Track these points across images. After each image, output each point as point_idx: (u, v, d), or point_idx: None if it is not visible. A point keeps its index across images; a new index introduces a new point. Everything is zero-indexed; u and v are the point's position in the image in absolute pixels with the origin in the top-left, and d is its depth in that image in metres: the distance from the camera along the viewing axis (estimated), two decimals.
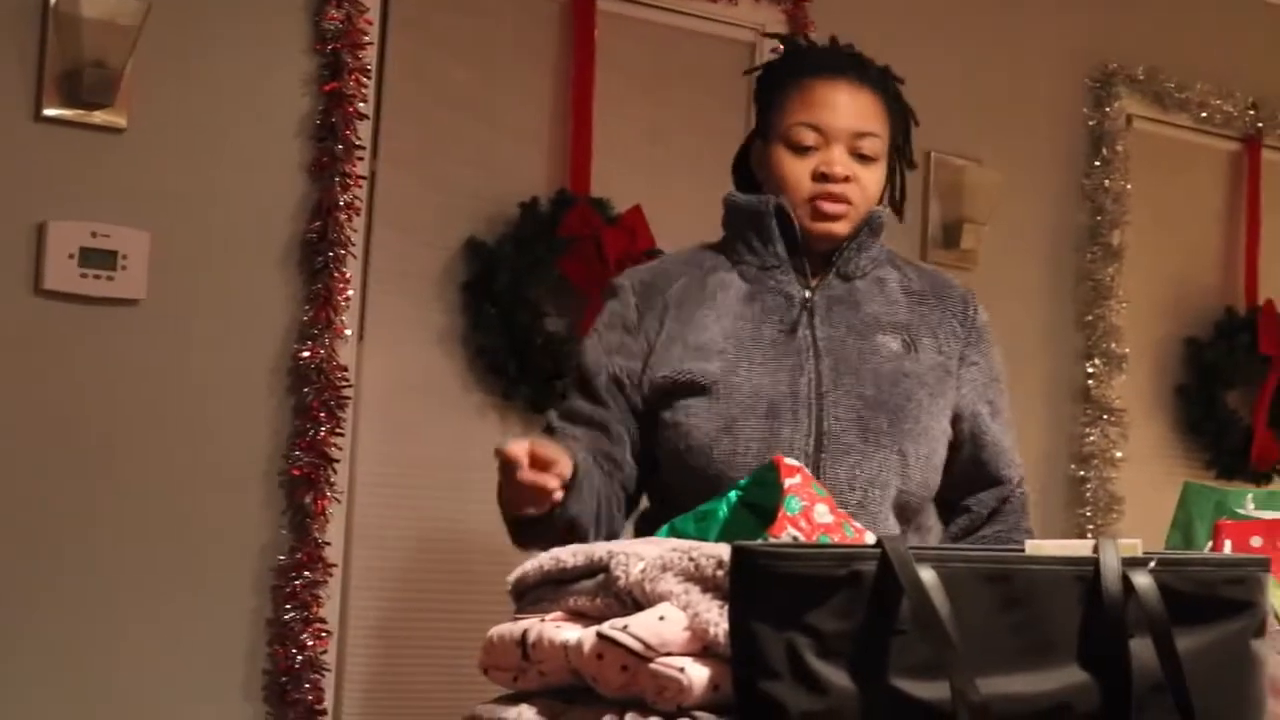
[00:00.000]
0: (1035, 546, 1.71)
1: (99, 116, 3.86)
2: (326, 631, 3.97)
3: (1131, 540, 1.74)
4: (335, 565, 4.01)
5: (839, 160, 2.64)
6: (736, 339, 2.64)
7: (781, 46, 2.92)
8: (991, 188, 5.15)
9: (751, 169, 2.77)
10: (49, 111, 3.82)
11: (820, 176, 2.64)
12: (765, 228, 2.67)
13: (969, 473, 2.77)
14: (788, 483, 2.13)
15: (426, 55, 4.33)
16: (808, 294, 2.68)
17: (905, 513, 2.65)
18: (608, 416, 2.68)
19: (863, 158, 2.66)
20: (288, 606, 3.94)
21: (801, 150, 2.65)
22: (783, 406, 2.59)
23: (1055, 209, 5.42)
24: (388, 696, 4.17)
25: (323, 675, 3.96)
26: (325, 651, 3.96)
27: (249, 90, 4.06)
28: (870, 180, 2.68)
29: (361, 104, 4.11)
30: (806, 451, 2.56)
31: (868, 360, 2.64)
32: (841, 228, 2.66)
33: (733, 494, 2.32)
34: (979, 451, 2.77)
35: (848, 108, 2.66)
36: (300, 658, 3.93)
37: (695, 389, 2.60)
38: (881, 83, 2.75)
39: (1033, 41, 5.38)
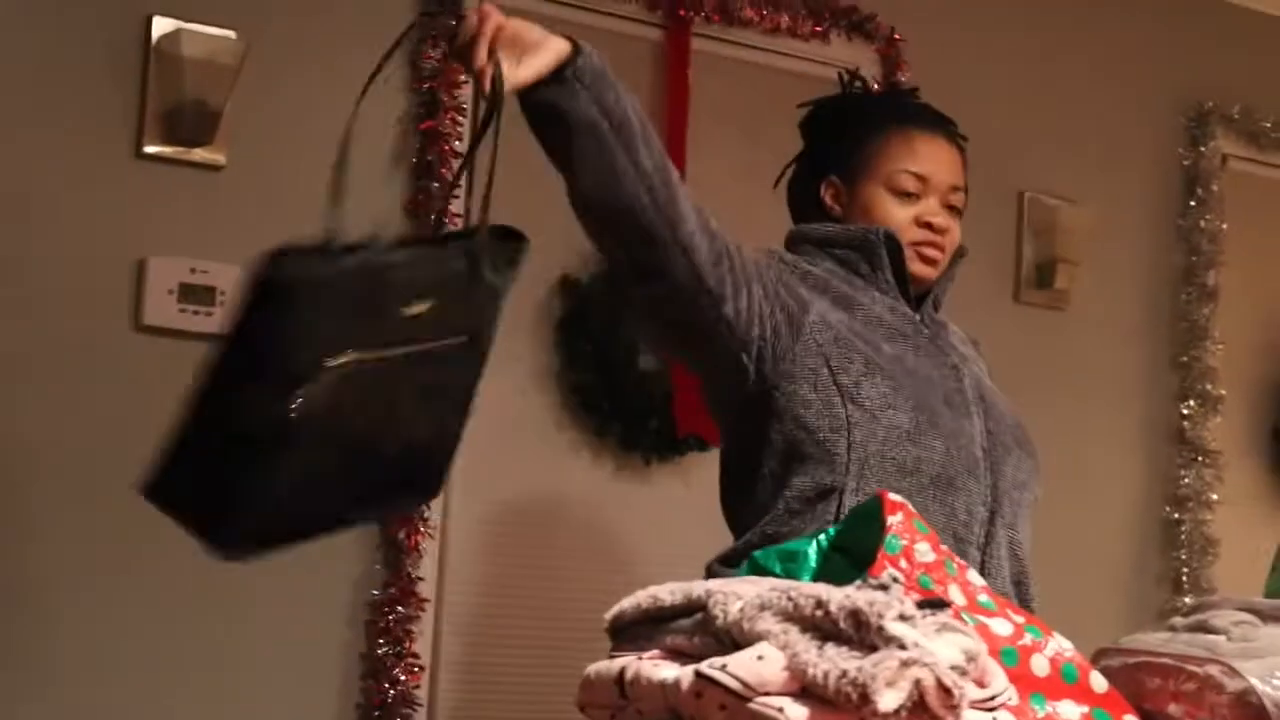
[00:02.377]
0: None
1: (199, 154, 3.91)
2: (419, 667, 3.99)
3: None
4: (428, 601, 4.03)
5: (939, 211, 2.76)
6: (889, 329, 2.69)
7: (857, 84, 2.99)
8: (1085, 227, 5.12)
9: (822, 202, 2.82)
10: (149, 149, 3.86)
11: (925, 225, 2.74)
12: (876, 255, 2.72)
13: None
14: (890, 520, 2.12)
15: None
16: (919, 318, 2.76)
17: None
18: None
19: (953, 210, 2.78)
20: (381, 641, 3.96)
21: (904, 196, 2.74)
22: (955, 399, 2.67)
23: (1150, 249, 5.39)
24: None
25: (415, 710, 3.98)
26: (418, 686, 3.98)
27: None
28: (957, 233, 2.80)
29: (457, 143, 4.14)
30: (983, 446, 2.65)
31: (981, 376, 2.79)
32: (934, 274, 2.78)
33: (822, 537, 2.31)
34: None
35: (946, 162, 2.78)
36: (393, 693, 3.95)
37: (871, 365, 2.60)
38: (961, 143, 2.85)
39: (1127, 80, 5.36)
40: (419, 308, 2.21)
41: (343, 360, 2.08)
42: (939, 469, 2.58)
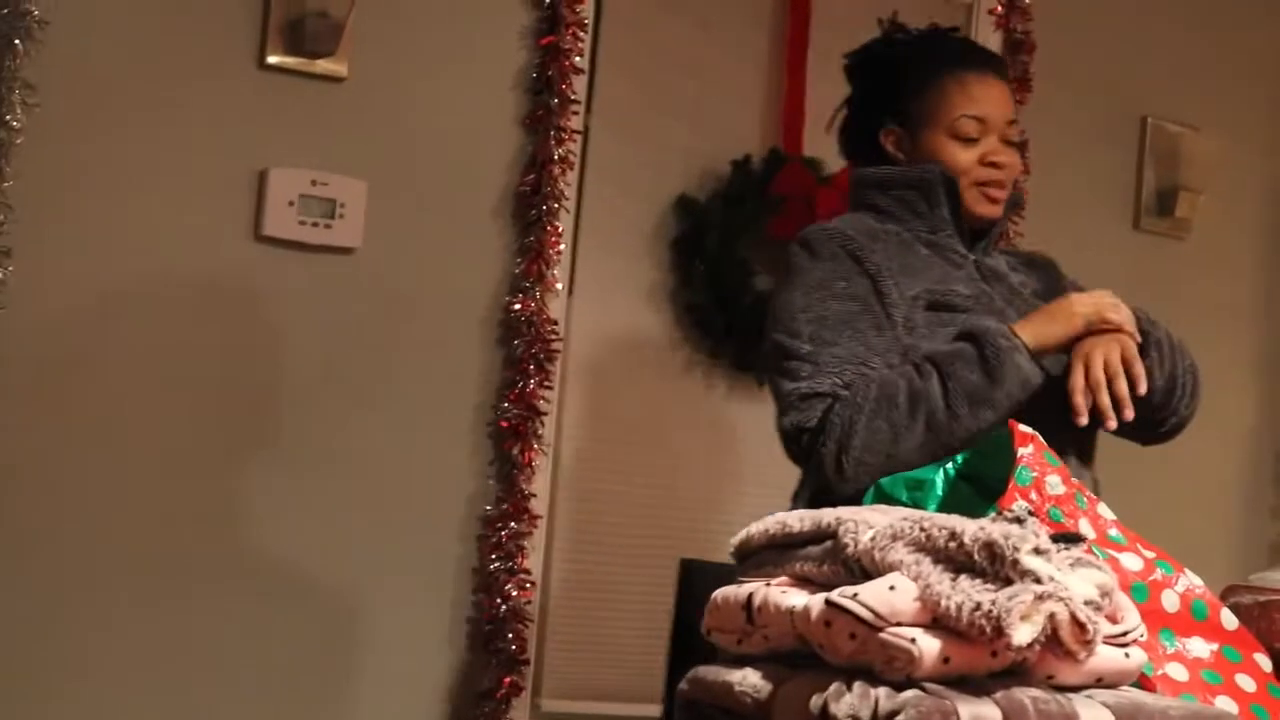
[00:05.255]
0: None
1: (321, 65, 3.90)
2: (531, 582, 4.00)
3: None
4: (540, 517, 4.04)
5: (1001, 150, 2.93)
6: (947, 274, 2.88)
7: (892, 33, 3.14)
8: (1209, 155, 5.05)
9: (883, 149, 2.99)
10: (272, 59, 3.86)
11: (989, 164, 2.92)
12: (934, 195, 2.91)
13: None
14: (1021, 452, 2.11)
15: (643, 10, 4.33)
16: (973, 257, 2.94)
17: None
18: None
19: (1010, 143, 2.96)
20: (493, 556, 3.98)
21: (967, 140, 2.91)
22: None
23: (1274, 178, 5.31)
24: (589, 649, 4.21)
25: (526, 625, 3.99)
26: (529, 602, 4.00)
27: (466, 42, 4.08)
28: (1017, 163, 2.99)
29: (578, 58, 4.12)
30: None
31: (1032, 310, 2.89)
32: (999, 211, 2.98)
33: (949, 465, 2.30)
34: None
35: (999, 100, 2.96)
36: (505, 607, 3.96)
37: (952, 306, 2.80)
38: (1007, 74, 3.06)
39: (1255, 4, 5.27)
40: None
41: None
42: None
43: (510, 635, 3.97)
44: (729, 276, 4.26)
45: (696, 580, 2.86)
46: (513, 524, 3.99)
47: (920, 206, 2.91)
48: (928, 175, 2.90)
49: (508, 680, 3.97)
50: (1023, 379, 2.63)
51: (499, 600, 3.97)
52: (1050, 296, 2.96)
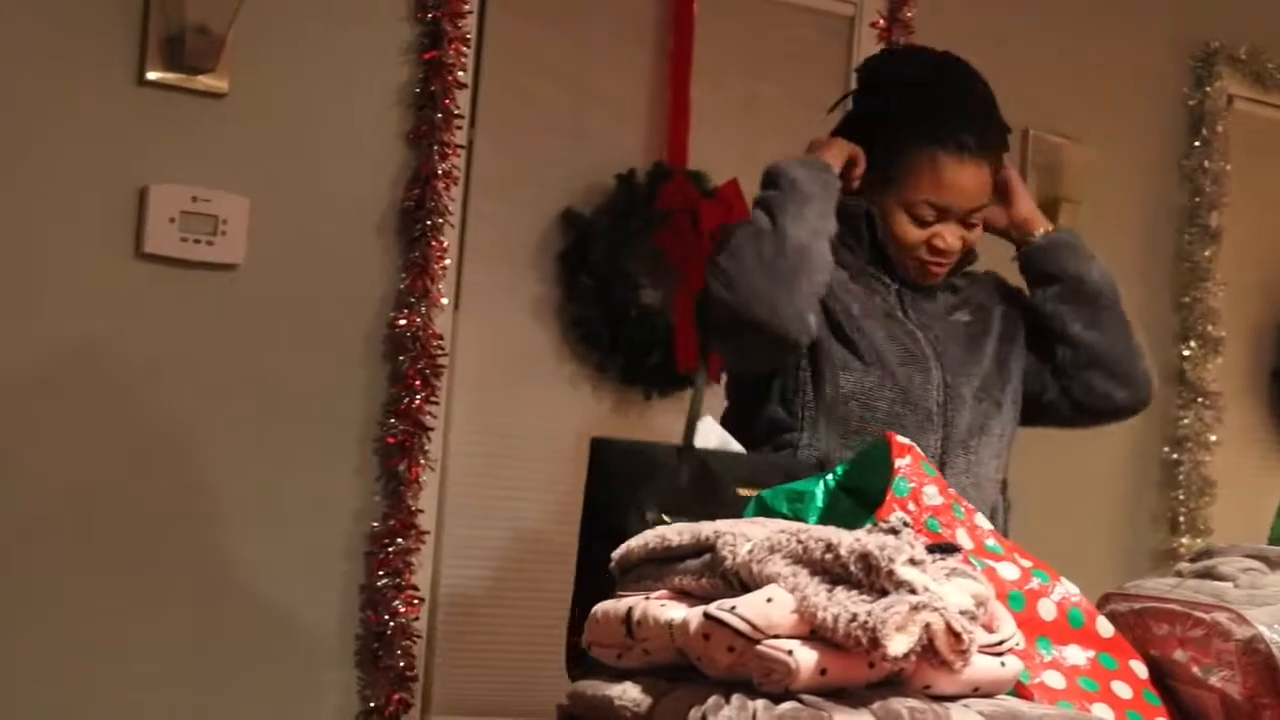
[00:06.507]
0: None
1: (201, 81, 3.88)
2: (419, 598, 3.99)
3: None
4: (427, 533, 4.03)
5: (952, 234, 2.89)
6: (863, 309, 2.92)
7: (909, 55, 3.34)
8: (1089, 167, 5.10)
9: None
10: (152, 75, 3.84)
11: (933, 249, 2.89)
12: (858, 229, 2.92)
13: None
14: (898, 463, 2.11)
15: (526, 26, 4.33)
16: (896, 285, 2.96)
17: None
18: None
19: (969, 225, 2.91)
20: (381, 573, 3.97)
21: (921, 223, 2.87)
22: (913, 357, 2.89)
23: (1153, 189, 5.37)
24: (477, 664, 4.20)
25: (414, 642, 3.99)
26: (417, 618, 3.99)
27: (348, 58, 4.07)
28: (971, 238, 2.95)
29: (460, 73, 4.11)
30: (938, 400, 2.88)
31: (954, 334, 2.97)
32: (939, 278, 2.96)
33: (830, 477, 2.31)
34: None
35: (969, 189, 2.87)
36: (393, 624, 3.95)
37: (852, 348, 2.85)
38: (997, 151, 2.94)
39: (1134, 19, 5.33)
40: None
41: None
42: (884, 421, 2.82)
43: (399, 652, 3.97)
44: (615, 290, 4.26)
45: (608, 458, 2.78)
46: (400, 540, 3.98)
47: (847, 238, 2.90)
48: (854, 209, 2.88)
49: (396, 697, 3.97)
50: (799, 161, 2.80)
51: (387, 616, 3.96)
52: (981, 320, 3.02)
